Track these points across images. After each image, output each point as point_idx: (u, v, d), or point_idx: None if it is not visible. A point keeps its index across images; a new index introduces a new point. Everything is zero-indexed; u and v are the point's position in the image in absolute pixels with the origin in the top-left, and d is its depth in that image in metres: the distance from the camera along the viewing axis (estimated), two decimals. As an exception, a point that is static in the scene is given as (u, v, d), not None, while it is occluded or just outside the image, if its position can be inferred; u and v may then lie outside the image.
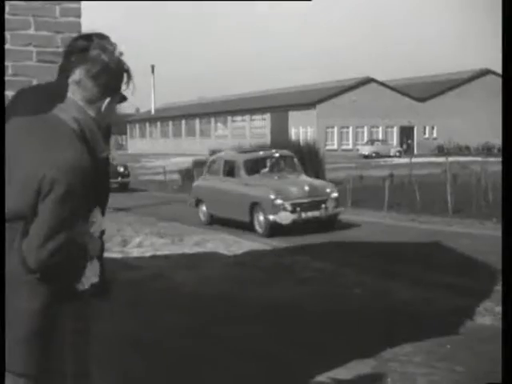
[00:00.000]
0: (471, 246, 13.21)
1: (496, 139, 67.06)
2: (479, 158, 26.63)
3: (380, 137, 71.03)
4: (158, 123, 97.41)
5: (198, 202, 18.37)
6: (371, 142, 67.83)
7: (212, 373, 6.01)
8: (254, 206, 15.87)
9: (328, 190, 16.03)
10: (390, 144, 69.14)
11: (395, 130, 73.09)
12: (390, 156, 62.71)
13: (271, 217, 15.32)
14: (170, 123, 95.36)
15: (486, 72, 75.49)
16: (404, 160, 45.12)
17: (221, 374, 5.96)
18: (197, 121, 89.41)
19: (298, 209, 15.45)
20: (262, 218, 15.64)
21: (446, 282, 9.90)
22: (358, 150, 67.23)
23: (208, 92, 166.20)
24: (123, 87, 2.98)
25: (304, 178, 17.32)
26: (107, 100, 2.94)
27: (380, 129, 72.48)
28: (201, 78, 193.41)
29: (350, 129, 71.56)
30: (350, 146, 70.85)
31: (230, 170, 17.35)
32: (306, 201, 15.63)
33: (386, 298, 8.76)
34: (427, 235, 14.64)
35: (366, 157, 62.59)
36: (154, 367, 6.06)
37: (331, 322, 7.66)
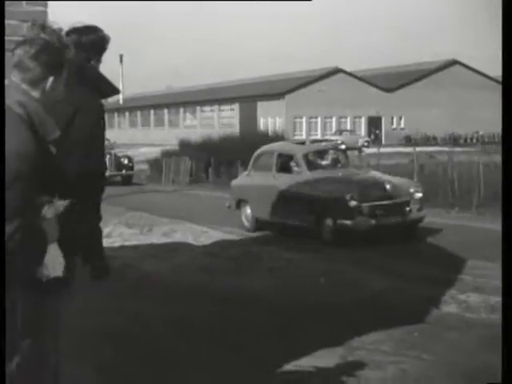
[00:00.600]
0: (437, 235, 13.36)
1: (461, 129, 67.62)
2: (446, 148, 26.82)
3: (348, 127, 71.34)
4: (127, 113, 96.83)
5: (240, 204, 15.43)
6: (339, 132, 68.07)
7: (179, 361, 6.02)
8: (321, 209, 12.91)
9: (411, 190, 13.21)
10: (358, 134, 69.47)
11: (363, 120, 73.45)
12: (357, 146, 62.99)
13: (345, 222, 12.43)
14: (139, 113, 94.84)
15: (453, 62, 76.06)
16: (372, 150, 45.31)
17: (188, 362, 5.97)
18: (165, 111, 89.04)
19: (378, 212, 12.58)
20: (330, 223, 12.64)
21: (413, 271, 10.01)
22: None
23: (182, 81, 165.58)
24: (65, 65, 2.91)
25: (377, 174, 14.87)
26: (51, 79, 2.88)
27: (348, 119, 72.78)
28: (175, 68, 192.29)
29: (319, 119, 71.77)
30: (319, 137, 71.07)
31: (284, 165, 14.55)
32: (386, 203, 12.71)
33: (356, 289, 8.84)
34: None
35: (334, 147, 62.74)
36: (124, 356, 6.05)
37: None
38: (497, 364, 5.75)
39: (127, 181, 30.00)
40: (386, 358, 6.11)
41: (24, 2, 4.16)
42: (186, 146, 35.04)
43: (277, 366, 5.82)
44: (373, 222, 12.37)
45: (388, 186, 12.90)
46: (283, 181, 14.05)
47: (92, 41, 3.58)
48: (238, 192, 15.76)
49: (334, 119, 72.23)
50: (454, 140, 63.57)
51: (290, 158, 14.50)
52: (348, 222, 12.34)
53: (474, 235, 13.52)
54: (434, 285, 8.98)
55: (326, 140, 17.90)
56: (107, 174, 27.97)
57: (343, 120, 72.52)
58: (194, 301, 8.10)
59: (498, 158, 18.75)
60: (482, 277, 9.50)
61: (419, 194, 13.14)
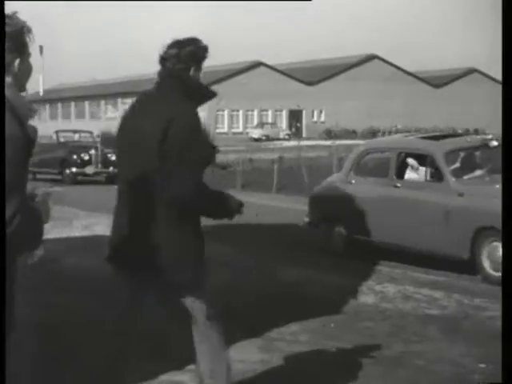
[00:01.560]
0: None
1: (380, 122, 68.81)
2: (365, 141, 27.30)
3: (270, 120, 71.73)
4: (47, 105, 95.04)
5: (324, 222, 11.41)
6: (261, 125, 68.46)
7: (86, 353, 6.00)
8: (484, 233, 9.16)
9: None
10: (279, 127, 69.95)
11: (284, 113, 74.00)
12: (279, 139, 63.41)
13: None
14: (60, 105, 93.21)
15: (372, 57, 77.28)
16: (293, 143, 45.83)
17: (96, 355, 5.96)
18: (87, 103, 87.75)
19: None
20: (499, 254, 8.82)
21: (330, 262, 10.19)
22: (248, 133, 67.69)
23: (106, 73, 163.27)
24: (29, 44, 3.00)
25: None
26: (17, 61, 2.98)
27: (269, 112, 73.18)
28: (99, 59, 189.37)
29: (240, 112, 71.94)
30: (241, 129, 71.24)
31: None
32: None
33: (272, 279, 8.95)
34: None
35: (256, 140, 63.06)
36: (46, 349, 6.00)
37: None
38: (411, 353, 6.01)
39: (113, 180, 22.94)
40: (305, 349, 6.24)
41: None
42: (106, 139, 34.57)
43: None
44: None
45: None
46: (415, 193, 10.06)
47: (191, 52, 3.84)
48: (323, 206, 11.49)
49: (255, 112, 72.52)
50: (373, 133, 64.74)
51: (422, 158, 10.29)
52: None
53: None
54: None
55: (459, 135, 13.53)
56: (92, 171, 25.36)
57: (264, 113, 72.88)
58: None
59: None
60: (399, 267, 9.79)
61: None
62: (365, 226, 10.55)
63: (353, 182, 10.98)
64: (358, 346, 6.29)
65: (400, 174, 10.36)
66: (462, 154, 10.20)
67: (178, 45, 3.86)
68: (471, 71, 77.52)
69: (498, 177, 9.12)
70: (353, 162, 11.19)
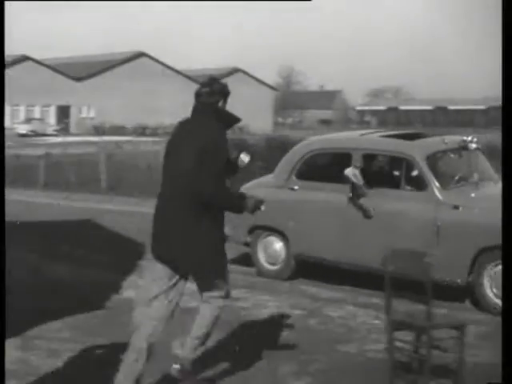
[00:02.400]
0: (121, 222, 13.63)
1: (150, 119, 69.10)
2: (133, 138, 27.34)
3: (37, 115, 69.61)
4: None
5: (253, 235, 9.38)
6: (28, 120, 66.31)
7: None
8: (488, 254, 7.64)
9: None
10: (47, 123, 68.13)
11: (53, 108, 72.08)
12: (47, 135, 61.89)
13: None
14: None
15: (140, 54, 77.30)
16: (61, 139, 44.87)
17: None
18: None
19: None
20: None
21: (95, 258, 10.16)
22: (14, 128, 65.21)
23: None
24: None
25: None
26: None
27: (37, 107, 70.97)
28: None
29: (7, 107, 69.09)
30: (8, 124, 68.44)
31: (379, 176, 8.83)
32: None
33: (40, 275, 8.81)
34: (80, 213, 14.83)
35: (22, 135, 61.06)
36: None
37: None
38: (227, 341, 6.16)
39: None
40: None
41: None
42: None
43: None
44: None
45: None
46: (387, 202, 8.32)
47: (220, 89, 5.08)
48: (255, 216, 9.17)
49: (22, 107, 69.98)
50: (142, 129, 64.94)
51: (396, 162, 8.66)
52: None
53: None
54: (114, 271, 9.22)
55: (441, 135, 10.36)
56: None
57: (31, 108, 70.56)
58: None
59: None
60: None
61: None
62: (317, 243, 8.72)
63: (295, 187, 9.04)
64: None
65: (369, 181, 8.43)
66: (440, 158, 8.64)
67: (209, 84, 5.08)
68: (236, 70, 79.93)
69: (489, 184, 8.48)
70: (294, 163, 9.17)
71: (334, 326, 7.04)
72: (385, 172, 8.95)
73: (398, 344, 5.42)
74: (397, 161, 8.52)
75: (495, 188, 8.29)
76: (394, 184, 8.43)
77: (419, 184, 8.16)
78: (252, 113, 67.64)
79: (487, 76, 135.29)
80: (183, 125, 5.17)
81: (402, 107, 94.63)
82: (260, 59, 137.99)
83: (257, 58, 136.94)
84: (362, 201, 8.35)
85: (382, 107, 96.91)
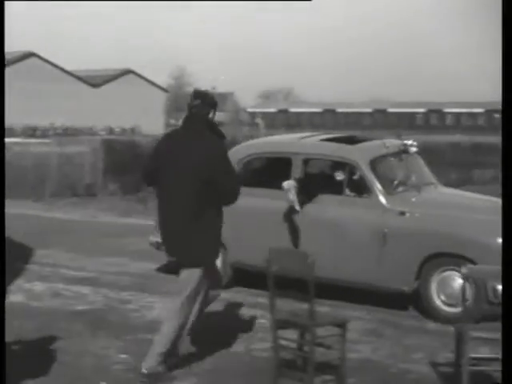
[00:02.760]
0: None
1: (41, 120, 67.58)
2: (22, 140, 26.66)
3: None
4: None
5: None
6: None
7: None
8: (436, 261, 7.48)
9: None
10: None
11: None
12: None
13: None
14: None
15: (29, 55, 75.49)
16: None
17: None
18: None
19: None
20: (455, 284, 7.23)
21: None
22: None
23: None
24: None
25: (454, 191, 9.55)
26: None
27: None
28: None
29: None
30: None
31: (322, 182, 8.46)
32: None
33: None
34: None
35: None
36: None
37: None
38: (58, 349, 6.08)
39: None
40: None
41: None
42: None
43: None
44: None
45: None
46: (329, 208, 8.00)
47: (211, 100, 5.54)
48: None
49: None
50: (31, 131, 63.36)
51: (339, 167, 8.32)
52: None
53: (45, 225, 13.70)
54: None
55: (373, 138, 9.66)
56: None
57: None
58: None
59: (69, 149, 19.21)
60: (49, 265, 9.79)
61: None
62: (255, 251, 7.53)
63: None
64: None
65: (311, 187, 8.11)
66: (382, 162, 8.34)
67: (200, 96, 5.53)
68: (127, 72, 79.08)
69: (430, 188, 8.46)
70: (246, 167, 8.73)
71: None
72: (326, 177, 8.52)
73: (282, 342, 5.54)
74: (338, 165, 8.22)
75: (436, 192, 8.46)
76: (337, 190, 8.11)
77: (363, 189, 7.91)
78: (144, 114, 67.25)
79: (372, 80, 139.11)
80: (177, 135, 5.63)
81: (292, 109, 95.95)
82: (151, 60, 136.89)
83: (147, 58, 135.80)
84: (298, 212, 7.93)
85: (272, 109, 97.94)
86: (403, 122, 79.19)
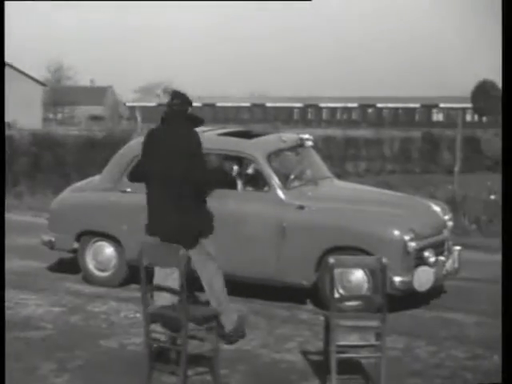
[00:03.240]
0: None
1: None
2: None
3: None
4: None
5: (80, 242, 8.63)
6: None
7: None
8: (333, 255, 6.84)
9: (446, 217, 8.29)
10: None
11: None
12: None
13: (401, 279, 7.24)
14: None
15: None
16: None
17: None
18: None
19: (434, 258, 7.60)
20: (353, 276, 7.35)
21: None
22: None
23: None
24: None
25: (349, 185, 9.79)
26: None
27: None
28: None
29: None
30: None
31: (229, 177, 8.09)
32: (435, 240, 7.81)
33: None
34: None
35: None
36: None
37: None
38: None
39: None
40: None
41: None
42: None
43: None
44: (433, 273, 7.45)
45: (434, 210, 8.21)
46: (229, 203, 7.82)
47: (188, 99, 6.42)
48: (82, 221, 8.62)
49: None
50: None
51: (237, 162, 8.22)
52: (406, 279, 7.24)
53: None
54: None
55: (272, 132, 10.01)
56: None
57: None
58: None
59: None
60: None
61: (451, 223, 8.43)
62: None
63: (128, 190, 8.25)
64: None
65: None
66: (279, 156, 8.38)
67: (179, 96, 6.42)
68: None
69: (327, 182, 8.50)
70: (125, 164, 8.29)
71: (97, 322, 7.05)
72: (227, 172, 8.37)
73: (156, 336, 5.55)
74: (236, 160, 8.14)
75: (333, 186, 8.56)
76: (234, 184, 8.00)
77: (261, 184, 7.88)
78: (20, 108, 65.35)
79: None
80: (162, 130, 6.41)
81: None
82: (28, 52, 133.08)
83: (24, 50, 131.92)
84: None
85: (152, 103, 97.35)
86: (281, 117, 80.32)
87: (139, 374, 5.50)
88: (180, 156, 6.18)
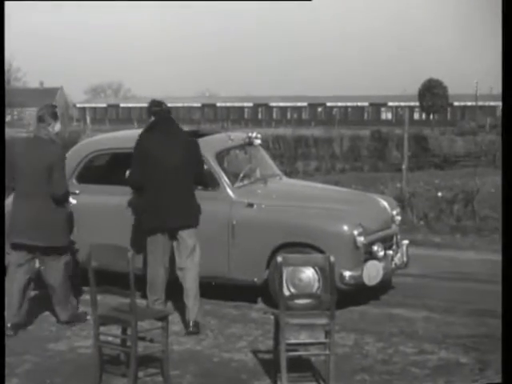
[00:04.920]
0: None
1: None
2: None
3: None
4: None
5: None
6: None
7: None
8: (284, 252, 7.07)
9: (394, 212, 8.40)
10: None
11: None
12: None
13: (350, 274, 7.33)
14: None
15: None
16: None
17: None
18: None
19: (383, 252, 7.75)
20: (303, 275, 7.38)
21: None
22: None
23: None
24: None
25: (298, 182, 10.21)
26: None
27: None
28: None
29: None
30: None
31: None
32: (384, 234, 7.97)
33: None
34: None
35: None
36: None
37: None
38: None
39: None
40: None
41: None
42: None
43: None
44: (382, 266, 7.54)
45: (382, 205, 8.30)
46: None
47: (167, 107, 7.09)
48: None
49: None
50: None
51: None
52: (355, 273, 7.33)
53: None
54: None
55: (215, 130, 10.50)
56: None
57: None
58: None
59: None
60: None
61: (399, 217, 8.58)
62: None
63: (76, 192, 8.03)
64: None
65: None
66: (227, 154, 8.47)
67: (160, 103, 7.05)
68: None
69: (275, 180, 8.55)
70: (73, 166, 8.20)
71: (46, 325, 6.99)
72: None
73: (106, 338, 5.53)
74: None
75: (281, 183, 8.62)
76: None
77: (210, 182, 7.79)
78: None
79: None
80: (158, 131, 6.91)
81: (123, 105, 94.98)
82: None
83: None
84: None
85: (102, 104, 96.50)
86: (232, 116, 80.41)
87: (89, 377, 5.47)
88: (183, 157, 6.85)
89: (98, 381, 5.39)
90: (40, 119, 6.83)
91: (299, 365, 5.61)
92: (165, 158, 6.80)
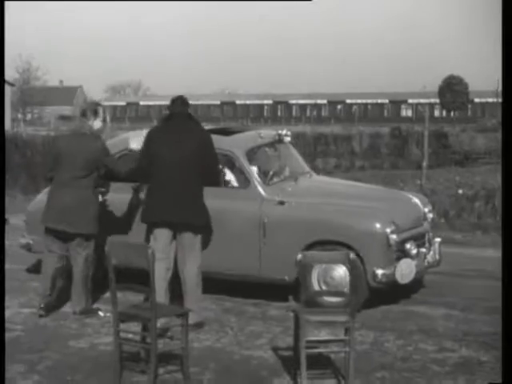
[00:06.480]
0: None
1: None
2: None
3: None
4: None
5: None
6: None
7: None
8: (315, 249, 7.24)
9: (426, 209, 8.33)
10: None
11: None
12: None
13: (383, 272, 7.21)
14: None
15: None
16: None
17: None
18: None
19: (416, 250, 7.61)
20: (336, 273, 7.31)
21: None
22: None
23: None
24: None
25: (328, 179, 10.02)
26: None
27: None
28: None
29: None
30: None
31: None
32: (416, 232, 7.88)
33: None
34: None
35: None
36: None
37: None
38: None
39: None
40: None
41: None
42: None
43: None
44: (415, 265, 7.44)
45: (414, 202, 8.20)
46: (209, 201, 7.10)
47: (187, 101, 6.97)
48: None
49: None
50: None
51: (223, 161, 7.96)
52: (388, 272, 7.20)
53: None
54: None
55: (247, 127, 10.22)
56: None
57: None
58: None
59: None
60: None
61: (431, 215, 8.60)
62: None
63: (102, 189, 7.81)
64: None
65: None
66: (258, 152, 8.32)
67: (179, 98, 6.95)
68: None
69: (306, 177, 8.48)
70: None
71: (67, 323, 7.02)
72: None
73: (125, 335, 5.54)
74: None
75: (312, 181, 8.54)
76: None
77: (241, 181, 7.83)
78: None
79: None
80: (169, 127, 6.89)
81: (142, 103, 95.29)
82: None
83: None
84: None
85: (122, 102, 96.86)
86: (251, 114, 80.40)
87: (109, 374, 5.49)
88: (191, 153, 6.71)
89: (118, 377, 5.40)
90: (83, 114, 7.26)
91: (319, 362, 5.60)
92: (169, 153, 6.73)
